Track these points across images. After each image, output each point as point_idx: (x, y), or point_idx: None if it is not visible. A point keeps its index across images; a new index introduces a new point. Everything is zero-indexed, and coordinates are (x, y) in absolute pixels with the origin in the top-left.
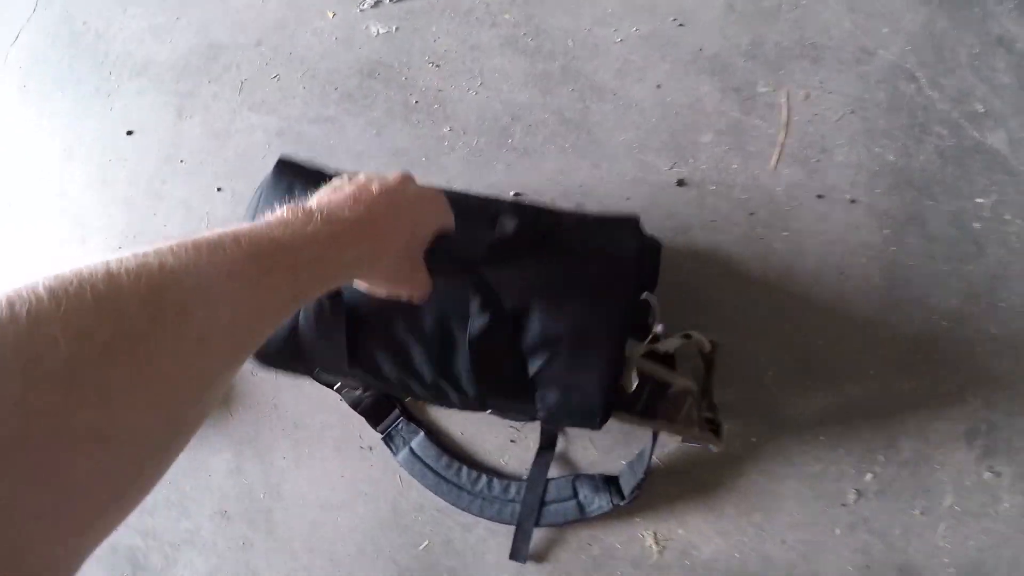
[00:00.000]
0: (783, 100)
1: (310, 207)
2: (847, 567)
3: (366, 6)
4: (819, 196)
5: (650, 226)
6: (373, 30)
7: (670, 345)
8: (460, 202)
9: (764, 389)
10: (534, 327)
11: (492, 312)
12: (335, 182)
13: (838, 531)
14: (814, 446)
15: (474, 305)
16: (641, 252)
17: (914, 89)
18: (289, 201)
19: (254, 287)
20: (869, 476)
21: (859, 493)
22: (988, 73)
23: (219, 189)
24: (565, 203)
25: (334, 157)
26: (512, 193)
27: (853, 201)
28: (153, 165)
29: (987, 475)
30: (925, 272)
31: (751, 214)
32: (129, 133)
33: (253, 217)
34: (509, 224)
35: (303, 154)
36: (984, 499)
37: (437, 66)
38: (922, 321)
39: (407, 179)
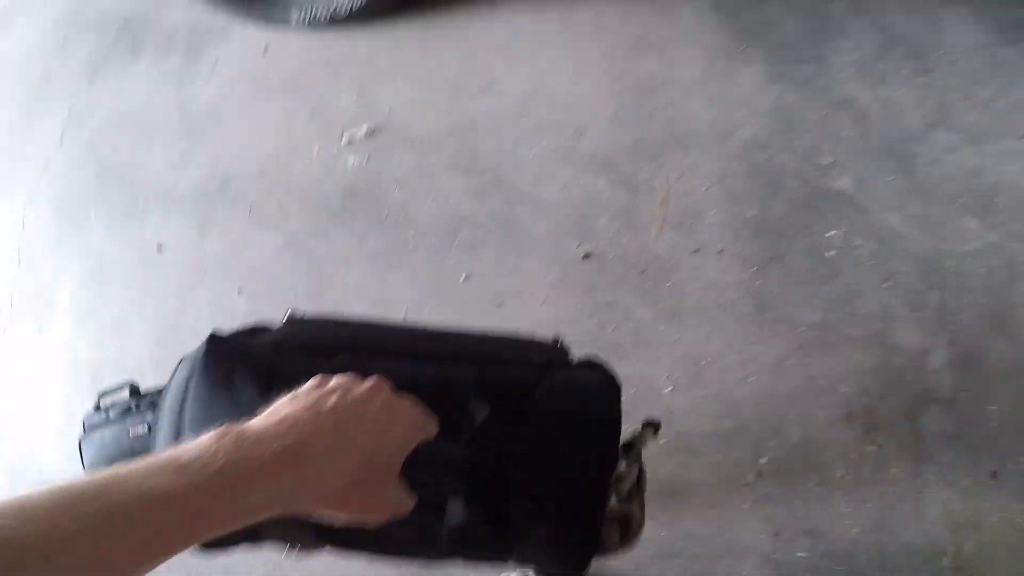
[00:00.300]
0: (661, 183)
1: (220, 445)
2: (759, 535)
3: (343, 143)
4: (695, 251)
5: (563, 291)
6: (350, 162)
7: (630, 479)
8: (421, 388)
9: (665, 400)
10: (518, 509)
11: (473, 511)
12: (301, 389)
13: (745, 506)
14: (713, 440)
15: (454, 504)
16: (615, 414)
17: (767, 156)
18: (226, 397)
19: (104, 547)
20: (764, 460)
21: (758, 474)
22: (834, 130)
23: (239, 291)
24: (501, 283)
25: (326, 264)
26: (462, 277)
27: (722, 251)
28: (181, 273)
29: (871, 448)
30: (788, 296)
31: (642, 272)
32: (159, 248)
33: (172, 389)
34: (481, 412)
35: (304, 263)
36: (873, 468)
37: (400, 186)
38: (789, 334)
39: (374, 390)
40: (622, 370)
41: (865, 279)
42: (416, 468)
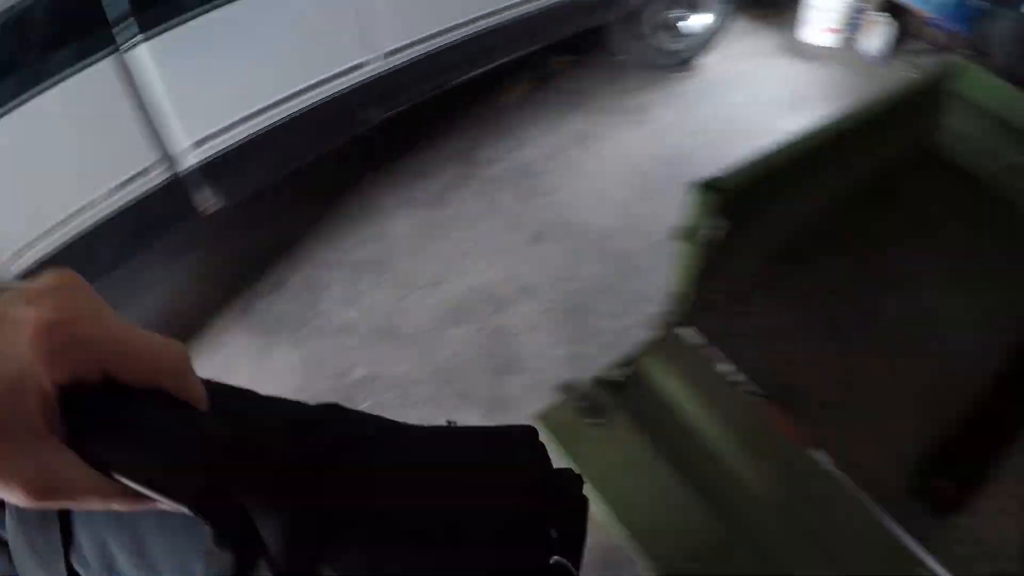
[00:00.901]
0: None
1: None
2: None
3: None
4: None
5: None
6: None
7: None
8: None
9: None
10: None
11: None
12: None
13: None
14: None
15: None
16: (553, 488)
17: (311, 393)
18: None
19: None
20: None
21: None
22: (343, 348)
23: None
24: None
25: None
26: None
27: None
28: None
29: None
30: None
31: None
32: None
33: None
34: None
35: None
36: None
37: None
38: None
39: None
40: None
41: (398, 414)
42: (115, 432)
